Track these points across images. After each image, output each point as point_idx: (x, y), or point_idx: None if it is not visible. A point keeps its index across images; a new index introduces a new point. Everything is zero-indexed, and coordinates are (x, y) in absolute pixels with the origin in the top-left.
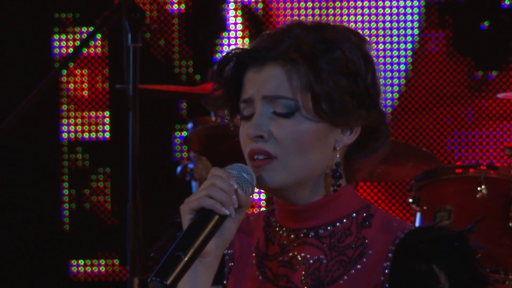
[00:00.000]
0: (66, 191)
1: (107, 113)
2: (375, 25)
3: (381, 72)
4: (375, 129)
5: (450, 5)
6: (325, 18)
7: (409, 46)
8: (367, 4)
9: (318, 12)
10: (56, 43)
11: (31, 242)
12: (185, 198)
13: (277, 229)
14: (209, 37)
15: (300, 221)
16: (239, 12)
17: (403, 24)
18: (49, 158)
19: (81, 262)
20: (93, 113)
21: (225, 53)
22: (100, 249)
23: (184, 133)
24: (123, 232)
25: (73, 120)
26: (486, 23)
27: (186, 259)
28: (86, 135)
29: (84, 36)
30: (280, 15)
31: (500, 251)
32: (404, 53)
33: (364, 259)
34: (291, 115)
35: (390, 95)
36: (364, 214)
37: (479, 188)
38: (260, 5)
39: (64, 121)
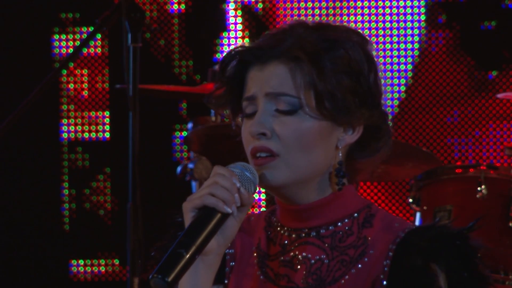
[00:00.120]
0: (66, 191)
1: (107, 113)
2: (375, 25)
3: (381, 73)
4: (377, 129)
5: (451, 5)
6: (325, 18)
7: (409, 46)
8: (367, 4)
9: (318, 12)
10: (56, 43)
11: (31, 242)
12: (185, 198)
13: (278, 228)
14: (209, 37)
15: (301, 221)
16: (239, 12)
17: (404, 24)
18: (49, 158)
19: (81, 262)
20: (93, 113)
21: (227, 51)
22: (100, 249)
23: (184, 133)
24: (123, 232)
25: (73, 120)
26: (486, 23)
27: (187, 256)
28: (86, 135)
29: (84, 36)
30: (280, 15)
31: (500, 251)
32: (404, 53)
33: (365, 259)
34: (294, 113)
35: (390, 95)
36: (366, 214)
37: (479, 188)
38: (260, 5)
39: (64, 121)
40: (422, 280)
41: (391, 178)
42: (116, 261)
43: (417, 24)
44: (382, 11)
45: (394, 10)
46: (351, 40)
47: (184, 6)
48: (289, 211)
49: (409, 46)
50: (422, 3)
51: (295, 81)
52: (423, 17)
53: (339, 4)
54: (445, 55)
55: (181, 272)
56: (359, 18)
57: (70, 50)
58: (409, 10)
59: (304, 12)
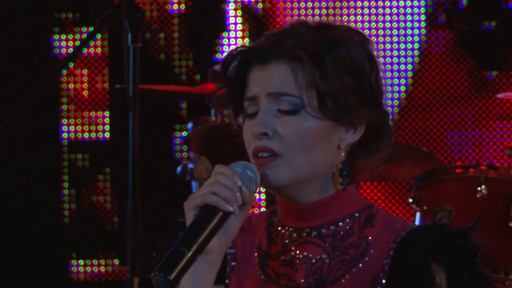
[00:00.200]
0: (66, 191)
1: (107, 113)
2: (375, 25)
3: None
4: (379, 129)
5: (452, 6)
6: (325, 18)
7: (409, 46)
8: (367, 4)
9: (318, 12)
10: (56, 43)
11: (31, 242)
12: (185, 198)
13: (280, 228)
14: (210, 37)
15: (302, 220)
16: (239, 12)
17: (404, 24)
18: (49, 158)
19: (81, 262)
20: (93, 113)
21: (229, 51)
22: (100, 249)
23: (184, 133)
24: (123, 232)
25: (73, 120)
26: (486, 23)
27: (189, 254)
28: (86, 135)
29: (84, 36)
30: (280, 15)
31: (500, 251)
32: (404, 53)
33: (366, 258)
34: (296, 113)
35: (390, 95)
36: (367, 214)
37: (479, 188)
38: (260, 5)
39: (64, 121)
40: (420, 278)
41: (391, 178)
42: (116, 261)
43: (417, 24)
44: (382, 11)
45: (394, 10)
46: (352, 40)
47: (184, 6)
48: (290, 211)
49: (409, 46)
50: (422, 3)
51: (297, 81)
52: (423, 17)
53: (339, 4)
54: (445, 55)
55: (182, 270)
56: (359, 18)
57: (70, 50)
58: (409, 10)
59: (304, 12)
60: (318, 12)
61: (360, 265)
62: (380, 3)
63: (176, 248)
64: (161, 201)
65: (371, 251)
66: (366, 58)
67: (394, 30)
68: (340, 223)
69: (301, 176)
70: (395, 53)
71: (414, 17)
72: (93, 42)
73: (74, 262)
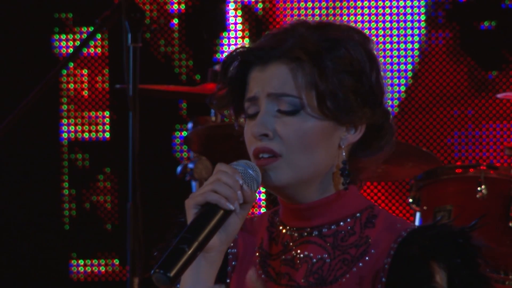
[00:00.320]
0: (66, 191)
1: (107, 113)
2: (375, 25)
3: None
4: (380, 128)
5: (451, 5)
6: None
7: (409, 46)
8: (367, 4)
9: (318, 12)
10: (56, 43)
11: (31, 242)
12: (185, 198)
13: (281, 228)
14: (210, 37)
15: (303, 220)
16: (239, 12)
17: (404, 25)
18: (49, 158)
19: (81, 262)
20: (93, 113)
21: (229, 52)
22: (100, 249)
23: (184, 133)
24: (123, 232)
25: (73, 120)
26: (486, 23)
27: (189, 252)
28: (86, 135)
29: (84, 36)
30: (280, 15)
31: (500, 251)
32: (404, 53)
33: (367, 258)
34: (296, 113)
35: (390, 95)
36: (368, 214)
37: (479, 188)
38: (260, 5)
39: (64, 121)
40: (420, 276)
41: (391, 178)
42: (116, 261)
43: (417, 24)
44: (382, 11)
45: (394, 10)
46: (352, 39)
47: (184, 6)
48: (291, 210)
49: (409, 46)
50: (422, 3)
51: (296, 82)
52: (423, 17)
53: (339, 4)
54: (445, 55)
55: (183, 268)
56: (359, 18)
57: (70, 50)
58: (409, 10)
59: (304, 12)
60: (318, 12)
61: (361, 264)
62: (380, 3)
63: (177, 245)
64: (161, 201)
65: (372, 251)
66: (366, 58)
67: (394, 30)
68: (341, 223)
69: (301, 176)
70: (395, 53)
71: (414, 17)
72: (93, 42)
73: (74, 262)
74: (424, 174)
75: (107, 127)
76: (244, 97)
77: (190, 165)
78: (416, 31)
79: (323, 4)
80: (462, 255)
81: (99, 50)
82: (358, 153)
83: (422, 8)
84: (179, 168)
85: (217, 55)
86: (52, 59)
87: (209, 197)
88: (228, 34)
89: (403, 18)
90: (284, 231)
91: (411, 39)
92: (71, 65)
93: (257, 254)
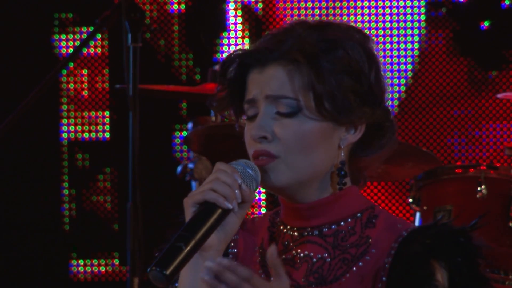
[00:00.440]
0: (66, 191)
1: (107, 113)
2: (375, 25)
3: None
4: (380, 127)
5: (451, 5)
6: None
7: (409, 46)
8: (367, 4)
9: (318, 12)
10: (56, 43)
11: (31, 242)
12: (185, 198)
13: (282, 227)
14: (209, 37)
15: (304, 220)
16: (239, 12)
17: (404, 25)
18: (49, 158)
19: (81, 262)
20: (93, 113)
21: (227, 54)
22: (100, 249)
23: (184, 133)
24: (123, 232)
25: (73, 120)
26: (486, 23)
27: (186, 250)
28: (86, 135)
29: (84, 36)
30: (280, 15)
31: (500, 251)
32: (404, 53)
33: (367, 257)
34: (294, 115)
35: (390, 95)
36: (369, 215)
37: (479, 188)
38: (260, 5)
39: (64, 121)
40: (421, 274)
41: (391, 178)
42: (116, 261)
43: (417, 24)
44: (382, 11)
45: (394, 10)
46: (351, 39)
47: (184, 6)
48: (292, 210)
49: (409, 46)
50: (422, 3)
51: (294, 83)
52: (423, 17)
53: (339, 4)
54: (445, 55)
55: (179, 266)
56: (359, 18)
57: (70, 50)
58: (409, 10)
59: (304, 12)
60: (318, 12)
61: (361, 264)
62: (380, 3)
63: (174, 243)
64: (161, 201)
65: (372, 250)
66: (365, 57)
67: (394, 30)
68: (342, 223)
69: (300, 177)
70: (395, 53)
71: (414, 17)
72: (93, 42)
73: (74, 262)
74: (424, 174)
75: (107, 127)
76: (243, 98)
77: (190, 165)
78: (416, 31)
79: (323, 4)
80: (463, 254)
81: (99, 50)
82: (359, 153)
83: (422, 8)
84: (179, 168)
85: (217, 55)
86: (52, 59)
87: (207, 195)
88: (228, 34)
89: (403, 18)
90: (284, 231)
91: (411, 39)
92: (71, 65)
93: (258, 254)
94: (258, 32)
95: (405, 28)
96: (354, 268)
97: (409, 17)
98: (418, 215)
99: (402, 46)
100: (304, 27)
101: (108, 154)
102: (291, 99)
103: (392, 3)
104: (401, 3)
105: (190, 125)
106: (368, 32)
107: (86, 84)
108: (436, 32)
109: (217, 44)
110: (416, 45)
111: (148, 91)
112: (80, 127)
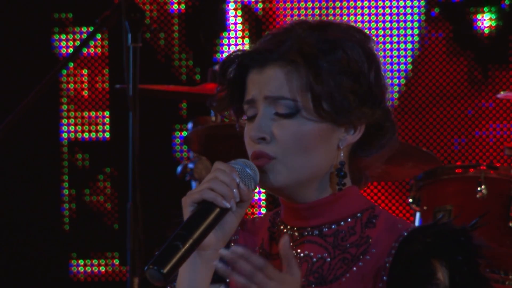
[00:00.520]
0: (66, 191)
1: (107, 113)
2: (375, 25)
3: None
4: (380, 127)
5: (450, 3)
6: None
7: (409, 46)
8: (367, 4)
9: (318, 12)
10: (56, 43)
11: (31, 242)
12: (183, 197)
13: (282, 227)
14: (209, 37)
15: (304, 219)
16: (239, 12)
17: (403, 24)
18: (49, 158)
19: (81, 262)
20: (93, 113)
21: (227, 54)
22: (100, 249)
23: (184, 133)
24: (123, 232)
25: (73, 120)
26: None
27: (184, 249)
28: (86, 135)
29: (84, 36)
30: (280, 15)
31: (500, 251)
32: (404, 53)
33: (367, 257)
34: (293, 116)
35: (390, 95)
36: (369, 215)
37: (479, 188)
38: (260, 5)
39: (64, 121)
40: (422, 273)
41: (391, 178)
42: (116, 261)
43: (417, 24)
44: (382, 11)
45: (394, 10)
46: (351, 40)
47: (184, 6)
48: (292, 210)
49: (409, 46)
50: (422, 3)
51: (293, 85)
52: (423, 17)
53: (339, 4)
54: (445, 55)
55: (176, 264)
56: (359, 18)
57: (70, 50)
58: (409, 10)
59: (304, 12)
60: (318, 12)
61: (361, 263)
62: (380, 3)
63: (171, 242)
64: (161, 201)
65: (373, 250)
66: (365, 57)
67: (394, 30)
68: (342, 223)
69: (299, 178)
70: (395, 53)
71: (414, 17)
72: (93, 42)
73: (74, 262)
74: (424, 174)
75: (107, 127)
76: (243, 98)
77: (190, 165)
78: (416, 31)
79: (323, 4)
80: (463, 253)
81: (99, 50)
82: (359, 153)
83: (422, 8)
84: (179, 168)
85: (217, 55)
86: (52, 59)
87: (205, 194)
88: (228, 34)
89: (403, 18)
90: (285, 231)
91: (411, 39)
92: (71, 65)
93: (258, 254)
94: (258, 32)
95: (405, 28)
96: (355, 268)
97: (409, 17)
98: (418, 215)
99: (402, 46)
100: (304, 27)
101: (108, 154)
102: (290, 100)
103: (392, 3)
104: (401, 3)
105: (190, 125)
106: (368, 32)
107: (86, 84)
108: (437, 32)
109: (217, 44)
110: (416, 45)
111: (148, 91)
112: (80, 127)
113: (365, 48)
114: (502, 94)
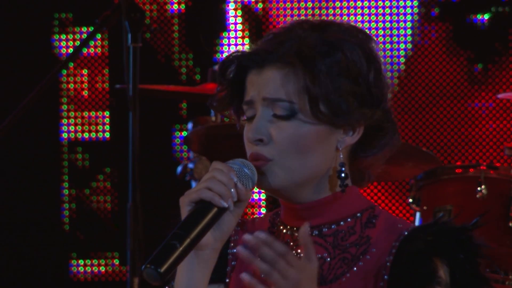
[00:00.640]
0: (66, 191)
1: (107, 113)
2: (375, 25)
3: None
4: (380, 127)
5: (450, 2)
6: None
7: (409, 46)
8: (367, 4)
9: (318, 12)
10: (56, 43)
11: (31, 242)
12: (181, 197)
13: (281, 227)
14: (209, 37)
15: (303, 220)
16: (239, 12)
17: (403, 24)
18: (49, 158)
19: (81, 262)
20: (93, 113)
21: (226, 55)
22: (100, 249)
23: (184, 133)
24: (123, 232)
25: (73, 120)
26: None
27: (181, 248)
28: (86, 135)
29: (84, 36)
30: (280, 15)
31: (500, 251)
32: (404, 53)
33: (368, 256)
34: (290, 118)
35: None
36: (369, 215)
37: (479, 188)
38: (260, 5)
39: (64, 121)
40: (423, 271)
41: (391, 178)
42: (116, 261)
43: (417, 24)
44: (382, 11)
45: (394, 10)
46: (350, 41)
47: (184, 6)
48: (291, 210)
49: (409, 46)
50: (415, 3)
51: (290, 87)
52: (415, 17)
53: (339, 4)
54: (445, 55)
55: (174, 264)
56: (359, 18)
57: (70, 50)
58: (409, 10)
59: (304, 12)
60: (318, 12)
61: (361, 263)
62: (380, 3)
63: (168, 241)
64: (161, 201)
65: (373, 250)
66: (364, 58)
67: (394, 30)
68: (342, 223)
69: (296, 179)
70: (395, 53)
71: (414, 17)
72: (93, 42)
73: (74, 262)
74: (424, 174)
75: (107, 127)
76: (243, 98)
77: (190, 165)
78: (416, 31)
79: (323, 4)
80: (464, 252)
81: (99, 50)
82: (359, 153)
83: (415, 9)
84: (179, 168)
85: (217, 55)
86: (52, 59)
87: (203, 194)
88: (228, 34)
89: (403, 18)
90: (284, 231)
91: (411, 39)
92: (71, 65)
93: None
94: (258, 32)
95: (405, 28)
96: (355, 268)
97: (409, 17)
98: (418, 215)
99: (402, 46)
100: (304, 27)
101: (108, 154)
102: (288, 102)
103: (392, 3)
104: (401, 3)
105: (190, 125)
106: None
107: (86, 84)
108: (437, 32)
109: (217, 44)
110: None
111: (148, 91)
112: (80, 127)
113: (365, 49)
114: (502, 94)
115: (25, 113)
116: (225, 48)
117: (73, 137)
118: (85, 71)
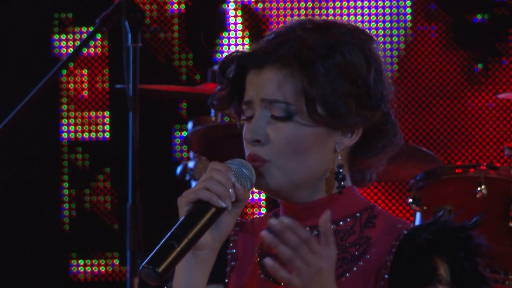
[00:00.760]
0: (66, 191)
1: (107, 113)
2: (375, 25)
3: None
4: (379, 129)
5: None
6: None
7: (395, 46)
8: (367, 4)
9: (318, 12)
10: (56, 43)
11: (31, 242)
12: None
13: None
14: (209, 37)
15: (303, 219)
16: (239, 12)
17: (403, 24)
18: (49, 158)
19: (81, 262)
20: (93, 113)
21: (225, 56)
22: (100, 249)
23: (184, 133)
24: (123, 232)
25: (73, 120)
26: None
27: (179, 248)
28: (86, 135)
29: (84, 36)
30: (280, 15)
31: (500, 251)
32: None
33: (367, 256)
34: (288, 119)
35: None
36: (368, 215)
37: (479, 188)
38: (260, 5)
39: (64, 121)
40: (424, 269)
41: (391, 178)
42: (116, 261)
43: (418, 24)
44: (382, 11)
45: (394, 10)
46: (350, 43)
47: (184, 6)
48: (290, 210)
49: (409, 46)
50: (408, 3)
51: (289, 88)
52: (408, 18)
53: (339, 4)
54: (445, 55)
55: (171, 264)
56: (359, 18)
57: (70, 50)
58: (409, 10)
59: (304, 12)
60: (318, 12)
61: (361, 263)
62: (380, 3)
63: (166, 241)
64: (161, 201)
65: (373, 249)
66: (364, 60)
67: (394, 30)
68: (341, 223)
69: (293, 180)
70: (395, 52)
71: (414, 17)
72: (93, 42)
73: (74, 262)
74: (424, 174)
75: (107, 127)
76: (243, 97)
77: (190, 165)
78: (416, 31)
79: (323, 4)
80: (464, 250)
81: (99, 50)
82: (359, 154)
83: (408, 9)
84: (179, 168)
85: (217, 55)
86: (52, 59)
87: (201, 194)
88: (228, 34)
89: (403, 18)
90: None
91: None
92: (71, 65)
93: (257, 254)
94: (258, 32)
95: (405, 28)
96: (355, 269)
97: (409, 17)
98: (418, 215)
99: (403, 46)
100: (306, 28)
101: (108, 154)
102: (286, 103)
103: (392, 3)
104: (401, 3)
105: (190, 125)
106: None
107: (86, 84)
108: (436, 32)
109: (217, 44)
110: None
111: (148, 91)
112: (80, 127)
113: (365, 51)
114: (502, 94)
115: (25, 113)
116: (225, 48)
117: (73, 137)
118: (85, 71)
